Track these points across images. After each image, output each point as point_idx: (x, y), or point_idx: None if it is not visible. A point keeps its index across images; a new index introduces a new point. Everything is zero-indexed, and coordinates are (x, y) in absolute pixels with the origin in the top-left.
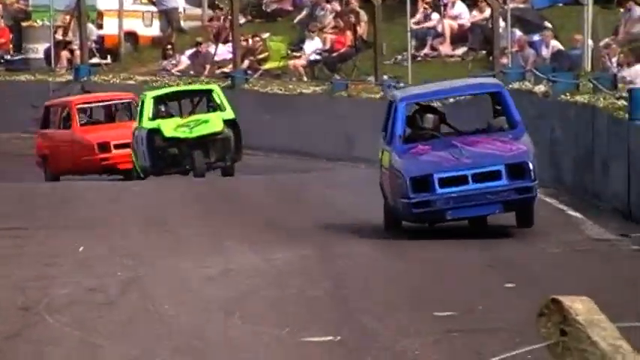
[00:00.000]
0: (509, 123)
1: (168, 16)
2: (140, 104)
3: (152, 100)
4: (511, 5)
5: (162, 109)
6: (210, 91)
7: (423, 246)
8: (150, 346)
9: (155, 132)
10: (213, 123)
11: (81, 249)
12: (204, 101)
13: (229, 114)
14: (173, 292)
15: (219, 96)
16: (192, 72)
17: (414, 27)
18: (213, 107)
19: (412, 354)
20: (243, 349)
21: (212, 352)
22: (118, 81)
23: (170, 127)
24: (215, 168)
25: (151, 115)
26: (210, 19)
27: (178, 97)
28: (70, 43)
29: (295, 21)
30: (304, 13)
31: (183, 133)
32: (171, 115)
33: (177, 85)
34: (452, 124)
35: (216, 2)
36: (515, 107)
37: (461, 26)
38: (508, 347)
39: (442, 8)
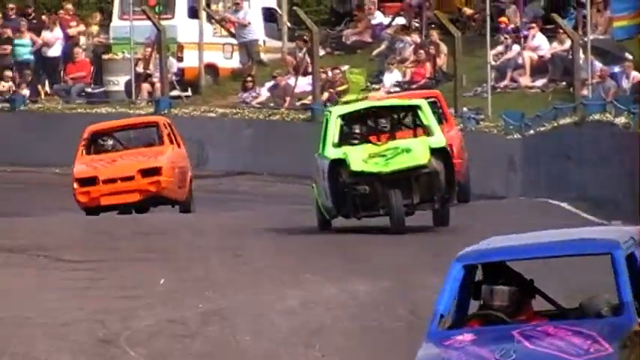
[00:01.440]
0: (614, 305)
1: (248, 49)
2: (324, 124)
3: (338, 119)
4: (591, 37)
5: (351, 131)
6: (415, 108)
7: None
8: None
9: (340, 164)
10: (418, 152)
11: (162, 281)
12: (400, 121)
13: (439, 140)
14: (253, 324)
15: (426, 115)
16: (271, 104)
17: (494, 59)
18: (417, 128)
19: None
20: None
21: None
22: (198, 113)
23: (359, 158)
24: (418, 211)
25: (336, 140)
26: (290, 52)
27: (373, 114)
28: (150, 75)
29: (374, 53)
30: (384, 45)
31: (376, 166)
32: (363, 140)
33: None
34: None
35: (296, 35)
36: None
37: (541, 57)
38: None
39: (522, 40)
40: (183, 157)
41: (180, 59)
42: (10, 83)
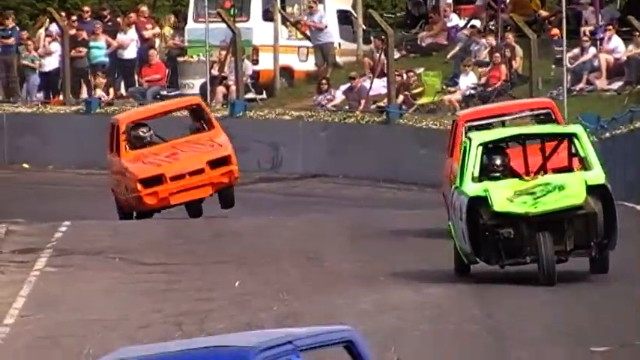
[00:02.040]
0: None
1: (323, 51)
2: (462, 154)
3: (479, 148)
4: None
5: (494, 163)
6: (571, 136)
7: (575, 278)
8: None
9: (480, 202)
10: (573, 190)
11: (237, 283)
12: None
13: (597, 176)
14: None
15: (583, 145)
16: (346, 107)
17: (570, 62)
18: (571, 159)
19: None
20: None
21: None
22: (273, 116)
23: (503, 197)
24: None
25: (476, 173)
26: (366, 54)
27: (518, 140)
28: (225, 78)
29: (449, 55)
30: (458, 47)
31: (522, 206)
32: (508, 173)
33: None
34: None
35: (371, 37)
36: None
37: (617, 60)
38: None
39: (598, 42)
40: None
41: (255, 62)
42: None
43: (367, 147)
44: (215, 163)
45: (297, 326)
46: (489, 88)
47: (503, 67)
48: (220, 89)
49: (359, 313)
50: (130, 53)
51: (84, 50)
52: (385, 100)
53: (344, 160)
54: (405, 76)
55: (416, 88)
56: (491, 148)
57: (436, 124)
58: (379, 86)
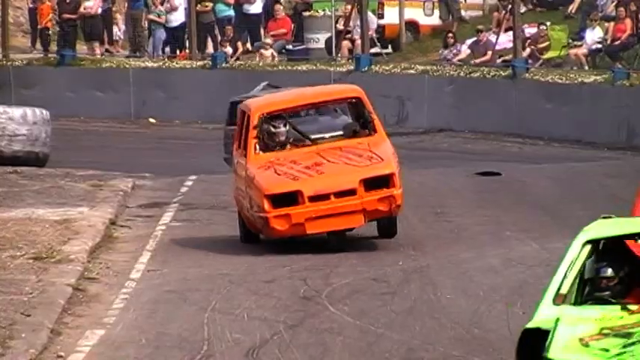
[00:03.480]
0: None
1: (449, 5)
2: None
3: (587, 248)
4: None
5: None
6: None
7: None
8: (430, 336)
9: (535, 337)
10: None
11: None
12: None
13: None
14: (454, 282)
15: None
16: (472, 61)
17: None
18: None
19: None
20: None
21: (493, 343)
22: (398, 71)
23: (574, 337)
24: None
25: (565, 289)
26: (491, 9)
27: None
28: (350, 32)
29: (573, 9)
30: (583, 1)
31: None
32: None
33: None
34: None
35: None
36: None
37: None
38: None
39: None
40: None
41: (380, 16)
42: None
43: (493, 101)
44: (372, 184)
45: (423, 281)
46: (616, 42)
47: (628, 21)
48: (346, 44)
49: (485, 267)
50: (256, 8)
51: (210, 5)
52: (511, 55)
53: (469, 114)
54: (532, 30)
55: (542, 42)
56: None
57: (562, 79)
58: (505, 40)
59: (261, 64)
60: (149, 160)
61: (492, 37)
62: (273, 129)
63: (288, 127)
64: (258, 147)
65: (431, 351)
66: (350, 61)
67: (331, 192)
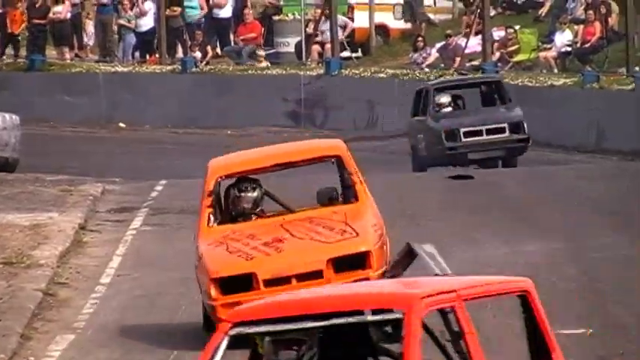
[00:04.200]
0: None
1: (413, 9)
2: None
3: None
4: None
5: None
6: None
7: None
8: None
9: None
10: None
11: None
12: None
13: None
14: None
15: None
16: (442, 64)
17: None
18: None
19: None
20: (495, 342)
21: None
22: (368, 74)
23: None
24: None
25: None
26: (461, 13)
27: None
28: (318, 35)
29: (543, 12)
30: (548, 3)
31: None
32: None
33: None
34: None
35: None
36: None
37: None
38: None
39: None
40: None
41: (350, 20)
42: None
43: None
44: (342, 263)
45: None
46: (585, 45)
47: (597, 24)
48: (315, 47)
49: (454, 270)
50: (226, 12)
51: (178, 9)
52: (480, 59)
53: None
54: (501, 33)
55: (512, 45)
56: None
57: (532, 82)
58: (475, 44)
59: (230, 68)
60: (119, 164)
61: (462, 42)
62: (240, 194)
63: (258, 192)
64: (212, 218)
65: None
66: (320, 64)
67: (292, 274)
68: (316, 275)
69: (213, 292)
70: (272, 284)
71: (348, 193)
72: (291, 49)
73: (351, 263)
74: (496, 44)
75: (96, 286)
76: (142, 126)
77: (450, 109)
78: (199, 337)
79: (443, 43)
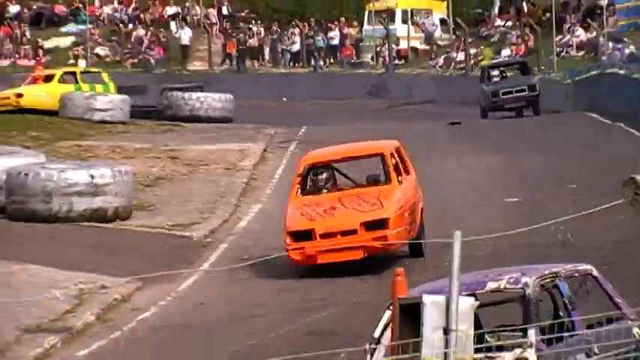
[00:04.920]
0: None
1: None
2: None
3: None
4: None
5: None
6: None
7: None
8: None
9: None
10: None
11: None
12: None
13: None
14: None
15: None
16: (444, 66)
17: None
18: None
19: None
20: None
21: None
22: (408, 72)
23: None
24: None
25: None
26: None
27: None
28: None
29: (495, 39)
30: (499, 37)
31: None
32: None
33: None
34: None
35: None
36: None
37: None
38: None
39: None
40: (413, 187)
41: (396, 45)
42: None
43: None
44: (371, 225)
45: None
46: (517, 55)
47: (523, 46)
48: (380, 59)
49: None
50: (336, 41)
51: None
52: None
53: None
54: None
55: (479, 56)
56: None
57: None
58: (461, 56)
59: (339, 70)
60: (281, 119)
61: (453, 54)
62: (316, 177)
63: (326, 174)
64: (299, 191)
65: None
66: (383, 68)
67: (338, 231)
68: (353, 232)
69: (288, 240)
70: (324, 237)
71: (386, 178)
72: (369, 59)
73: (375, 225)
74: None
75: (271, 180)
76: (295, 100)
77: (497, 78)
78: None
79: (444, 56)
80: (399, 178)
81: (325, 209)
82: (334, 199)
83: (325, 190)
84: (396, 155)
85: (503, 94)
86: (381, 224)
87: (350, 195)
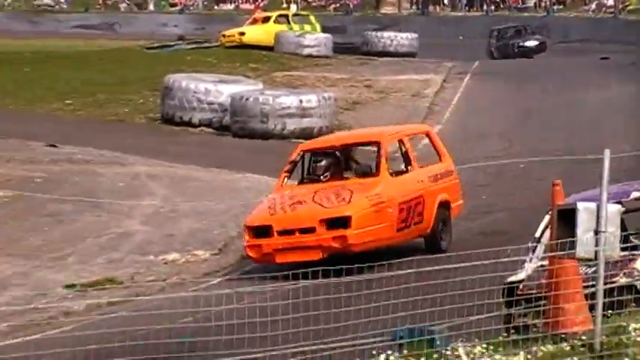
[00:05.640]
0: None
1: None
2: None
3: None
4: None
5: None
6: None
7: None
8: None
9: None
10: None
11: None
12: None
13: None
14: None
15: None
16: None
17: None
18: None
19: None
20: None
21: None
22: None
23: None
24: None
25: None
26: None
27: None
28: None
29: None
30: None
31: None
32: None
33: None
34: None
35: None
36: None
37: None
38: None
39: None
40: (422, 180)
41: None
42: None
43: None
44: (331, 223)
45: None
46: None
47: None
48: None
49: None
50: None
51: None
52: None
53: None
54: None
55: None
56: None
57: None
58: None
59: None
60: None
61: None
62: (315, 165)
63: (325, 162)
64: (286, 180)
65: None
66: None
67: (295, 228)
68: (311, 230)
69: (246, 235)
70: (282, 234)
71: (376, 169)
72: (532, 5)
73: (335, 223)
74: (620, 1)
75: (449, 105)
76: (469, 38)
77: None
78: None
79: (596, 2)
80: (408, 168)
81: (293, 203)
82: (310, 192)
83: (323, 179)
84: (407, 144)
85: (517, 46)
86: (341, 222)
87: (330, 187)
